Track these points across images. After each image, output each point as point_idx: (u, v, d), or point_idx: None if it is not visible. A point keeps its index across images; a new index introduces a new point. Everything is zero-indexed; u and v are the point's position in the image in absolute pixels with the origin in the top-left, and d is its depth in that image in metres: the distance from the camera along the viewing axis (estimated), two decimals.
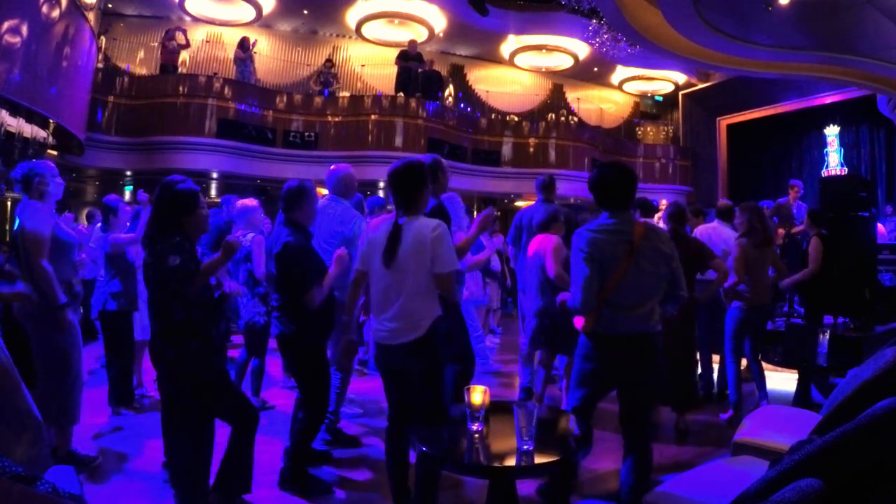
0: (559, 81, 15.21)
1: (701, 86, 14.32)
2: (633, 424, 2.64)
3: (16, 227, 3.21)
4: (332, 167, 3.90)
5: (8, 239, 7.67)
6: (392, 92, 11.59)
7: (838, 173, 12.14)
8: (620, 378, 2.61)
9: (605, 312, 2.54)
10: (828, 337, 3.80)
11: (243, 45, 11.13)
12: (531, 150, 12.67)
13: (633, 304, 2.52)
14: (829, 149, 12.67)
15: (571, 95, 15.28)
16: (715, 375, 4.93)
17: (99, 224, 5.29)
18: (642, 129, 16.13)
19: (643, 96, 16.08)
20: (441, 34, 12.93)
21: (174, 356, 2.53)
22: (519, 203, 13.22)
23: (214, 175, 10.57)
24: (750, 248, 4.20)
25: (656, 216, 8.17)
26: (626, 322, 2.53)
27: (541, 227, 4.20)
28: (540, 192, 4.87)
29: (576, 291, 2.53)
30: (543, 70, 14.70)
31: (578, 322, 2.66)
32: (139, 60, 12.16)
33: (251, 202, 4.49)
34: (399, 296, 2.49)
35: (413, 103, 11.24)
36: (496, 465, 1.98)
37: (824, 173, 12.36)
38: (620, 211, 2.59)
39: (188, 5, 11.88)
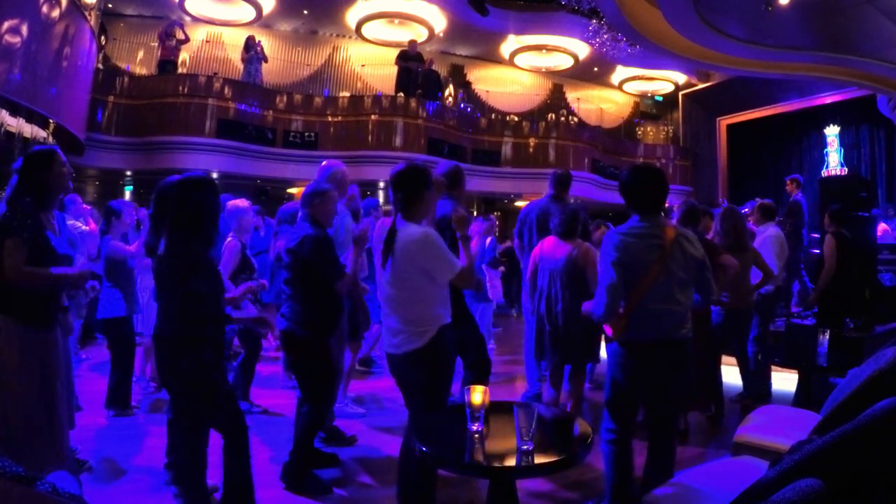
0: (559, 81, 15.19)
1: (701, 86, 14.30)
2: (659, 430, 2.63)
3: None
4: (325, 163, 3.91)
5: None
6: (392, 92, 11.60)
7: (838, 173, 12.13)
8: (650, 384, 2.59)
9: (636, 318, 2.50)
10: (828, 337, 3.79)
11: (247, 44, 11.15)
12: (531, 150, 12.66)
13: (663, 310, 2.49)
14: (829, 149, 12.65)
15: (571, 95, 15.27)
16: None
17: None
18: (642, 129, 16.12)
19: (643, 96, 16.07)
20: (441, 34, 12.93)
21: (190, 366, 2.48)
22: (519, 203, 13.22)
23: (214, 175, 10.56)
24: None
25: None
26: (657, 329, 2.50)
27: (563, 234, 3.98)
28: (553, 188, 4.64)
29: (600, 297, 2.49)
30: (543, 70, 14.69)
31: (608, 329, 2.63)
32: (139, 60, 12.16)
33: (242, 203, 4.36)
34: (399, 304, 2.46)
35: (413, 103, 11.23)
36: (496, 465, 1.97)
37: (824, 173, 12.35)
38: (651, 214, 2.55)
39: (188, 5, 11.89)
